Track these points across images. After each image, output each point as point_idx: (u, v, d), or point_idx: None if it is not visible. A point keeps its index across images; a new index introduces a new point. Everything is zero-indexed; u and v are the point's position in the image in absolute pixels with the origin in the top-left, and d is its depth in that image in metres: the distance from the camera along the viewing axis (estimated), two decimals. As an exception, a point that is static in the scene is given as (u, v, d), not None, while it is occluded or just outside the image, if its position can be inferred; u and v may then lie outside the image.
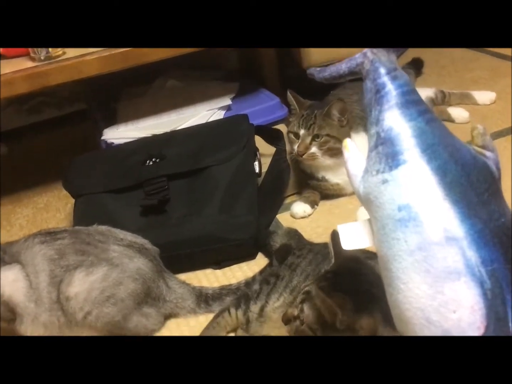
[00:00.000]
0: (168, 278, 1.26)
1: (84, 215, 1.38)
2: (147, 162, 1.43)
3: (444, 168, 0.46)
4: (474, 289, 0.42)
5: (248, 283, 1.23)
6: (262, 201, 1.45)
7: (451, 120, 1.72)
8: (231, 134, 1.46)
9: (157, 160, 1.43)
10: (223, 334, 1.16)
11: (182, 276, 1.31)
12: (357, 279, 0.83)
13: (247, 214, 1.38)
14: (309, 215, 1.53)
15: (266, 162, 1.52)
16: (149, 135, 1.60)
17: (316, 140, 1.45)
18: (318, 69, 0.64)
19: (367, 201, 0.49)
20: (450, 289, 0.43)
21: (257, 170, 1.47)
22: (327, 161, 1.48)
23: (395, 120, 0.49)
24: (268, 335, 1.07)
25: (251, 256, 1.40)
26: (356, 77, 0.61)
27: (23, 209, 1.82)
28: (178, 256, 1.34)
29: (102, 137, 1.67)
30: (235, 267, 1.38)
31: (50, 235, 1.18)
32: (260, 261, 1.37)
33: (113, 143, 1.64)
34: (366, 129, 1.54)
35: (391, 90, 0.50)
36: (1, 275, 1.12)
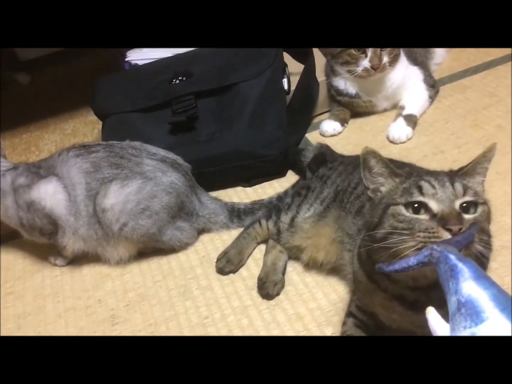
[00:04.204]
0: (201, 194, 1.27)
1: (113, 135, 1.36)
2: (174, 80, 1.40)
3: None
4: None
5: (280, 197, 1.23)
6: (291, 118, 1.42)
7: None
8: (259, 49, 1.41)
9: (184, 78, 1.40)
10: (253, 244, 1.18)
11: (213, 194, 1.32)
12: None
13: (277, 130, 1.37)
14: (339, 133, 1.51)
15: (294, 81, 1.48)
16: (173, 54, 1.56)
17: (383, 49, 1.40)
18: (386, 263, 0.70)
19: None
20: None
21: (285, 87, 1.44)
22: (388, 70, 1.43)
23: (472, 288, 0.59)
24: (299, 245, 1.08)
25: (281, 173, 1.40)
26: None
27: (50, 135, 1.83)
28: (208, 173, 1.34)
29: (126, 59, 1.64)
30: (265, 184, 1.38)
31: (84, 148, 1.18)
32: (290, 179, 1.37)
33: (137, 64, 1.61)
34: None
35: (463, 267, 0.61)
36: (41, 188, 1.14)
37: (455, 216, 0.69)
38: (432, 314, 0.63)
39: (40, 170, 1.17)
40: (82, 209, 1.14)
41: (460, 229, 0.68)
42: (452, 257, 0.62)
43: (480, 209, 0.72)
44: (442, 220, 0.69)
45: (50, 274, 1.23)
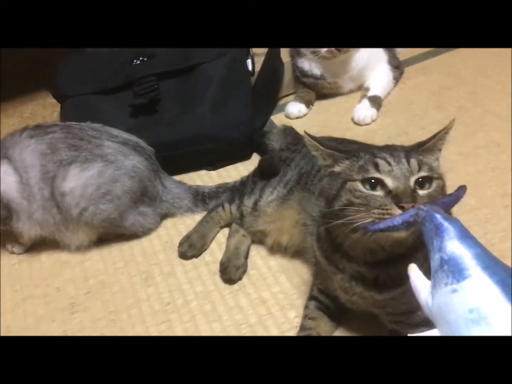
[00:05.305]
0: (164, 178, 1.24)
1: (72, 117, 1.30)
2: (134, 61, 1.37)
3: (503, 281, 0.56)
4: None
5: (244, 180, 1.21)
6: (256, 100, 1.40)
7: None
8: (222, 29, 1.39)
9: (145, 59, 1.36)
10: (217, 228, 1.17)
11: (177, 178, 1.30)
12: None
13: (241, 112, 1.34)
14: (304, 115, 1.50)
15: (259, 62, 1.46)
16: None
17: None
18: (371, 223, 0.69)
19: (437, 309, 0.60)
20: None
21: (250, 68, 1.42)
22: (352, 51, 1.42)
23: (456, 247, 0.59)
24: (263, 229, 1.07)
25: (246, 156, 1.38)
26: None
27: (8, 119, 1.76)
28: (172, 157, 1.31)
29: (86, 39, 1.58)
30: (230, 167, 1.36)
31: (39, 129, 1.13)
32: (255, 162, 1.33)
33: (98, 44, 1.56)
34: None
35: (449, 226, 0.61)
36: None
37: (408, 194, 0.70)
38: (414, 271, 0.64)
39: None
40: (36, 193, 1.10)
41: (413, 206, 0.68)
42: (438, 216, 0.63)
43: (434, 184, 0.73)
44: (396, 197, 0.70)
45: (8, 262, 1.19)
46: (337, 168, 0.78)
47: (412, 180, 0.71)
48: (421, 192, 0.71)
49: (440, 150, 0.77)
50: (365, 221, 0.70)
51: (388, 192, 0.71)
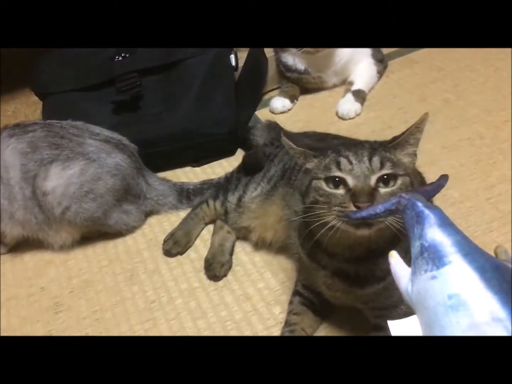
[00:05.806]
0: (148, 175, 1.23)
1: (53, 115, 1.29)
2: (116, 57, 1.35)
3: (482, 268, 0.56)
4: None
5: (228, 177, 1.20)
6: (240, 95, 1.40)
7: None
8: (204, 24, 1.38)
9: (127, 55, 1.35)
10: (201, 225, 1.16)
11: (161, 175, 1.29)
12: None
13: (225, 108, 1.34)
14: (289, 109, 1.49)
15: (242, 57, 1.45)
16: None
17: None
18: (354, 211, 0.69)
19: (417, 295, 0.60)
20: None
21: (233, 63, 1.41)
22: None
23: (436, 234, 0.59)
24: (247, 226, 1.07)
25: (230, 152, 1.38)
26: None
27: (-10, 117, 1.74)
28: (155, 154, 1.30)
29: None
30: (214, 163, 1.36)
31: (19, 127, 1.12)
32: (240, 157, 1.33)
33: (79, 41, 1.54)
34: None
35: (430, 214, 0.61)
36: None
37: (366, 193, 0.70)
38: (394, 258, 0.64)
39: None
40: (17, 192, 1.09)
41: (369, 205, 0.68)
42: (419, 204, 0.63)
43: (399, 181, 0.72)
44: (354, 196, 0.70)
45: (-9, 262, 1.18)
46: (308, 166, 0.78)
47: (373, 179, 0.71)
48: (383, 190, 0.71)
49: (412, 145, 0.75)
50: (328, 218, 0.71)
51: (349, 190, 0.71)
